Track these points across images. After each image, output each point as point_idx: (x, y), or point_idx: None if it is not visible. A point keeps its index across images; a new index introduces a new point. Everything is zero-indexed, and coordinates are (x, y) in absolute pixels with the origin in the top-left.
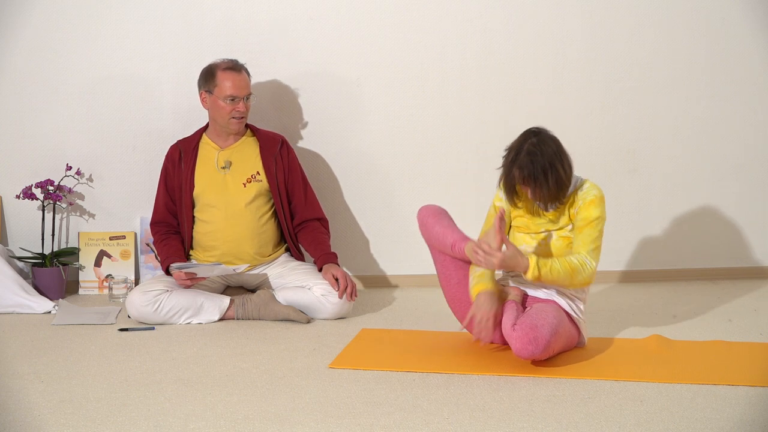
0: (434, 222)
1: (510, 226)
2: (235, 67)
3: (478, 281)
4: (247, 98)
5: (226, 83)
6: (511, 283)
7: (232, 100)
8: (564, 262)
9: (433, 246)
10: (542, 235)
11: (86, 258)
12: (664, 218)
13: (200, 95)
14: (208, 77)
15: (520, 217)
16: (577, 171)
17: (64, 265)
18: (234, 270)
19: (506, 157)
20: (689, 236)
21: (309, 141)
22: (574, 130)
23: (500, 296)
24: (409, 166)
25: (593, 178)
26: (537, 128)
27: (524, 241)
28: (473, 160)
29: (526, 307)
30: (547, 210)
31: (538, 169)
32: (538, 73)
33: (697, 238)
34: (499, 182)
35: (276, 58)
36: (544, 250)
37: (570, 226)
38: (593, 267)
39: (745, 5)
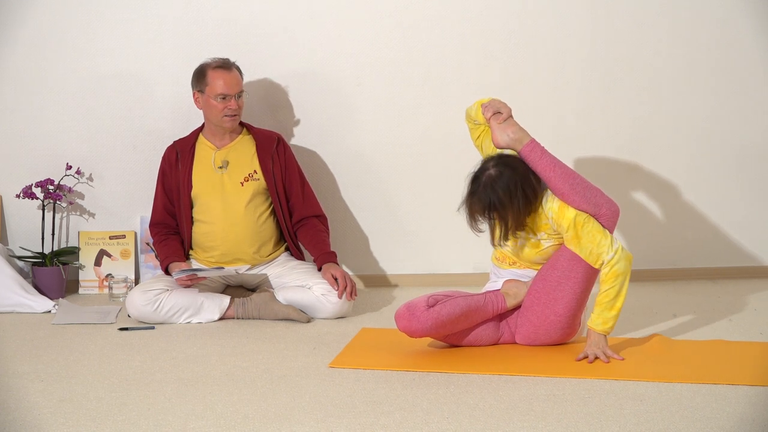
0: (449, 308)
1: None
2: (225, 65)
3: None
4: (239, 96)
5: (217, 82)
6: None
7: (224, 98)
8: (602, 294)
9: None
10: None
11: (86, 257)
12: (664, 218)
13: (193, 96)
14: (200, 77)
15: None
16: (577, 171)
17: (64, 264)
18: (236, 271)
19: (467, 186)
20: (689, 236)
21: (309, 140)
22: (574, 130)
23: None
24: (409, 166)
25: (593, 178)
26: (497, 158)
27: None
28: (473, 160)
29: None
30: (507, 239)
31: (501, 195)
32: (538, 73)
33: (697, 238)
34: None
35: (276, 58)
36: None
37: (541, 235)
38: (617, 255)
39: (746, 5)
